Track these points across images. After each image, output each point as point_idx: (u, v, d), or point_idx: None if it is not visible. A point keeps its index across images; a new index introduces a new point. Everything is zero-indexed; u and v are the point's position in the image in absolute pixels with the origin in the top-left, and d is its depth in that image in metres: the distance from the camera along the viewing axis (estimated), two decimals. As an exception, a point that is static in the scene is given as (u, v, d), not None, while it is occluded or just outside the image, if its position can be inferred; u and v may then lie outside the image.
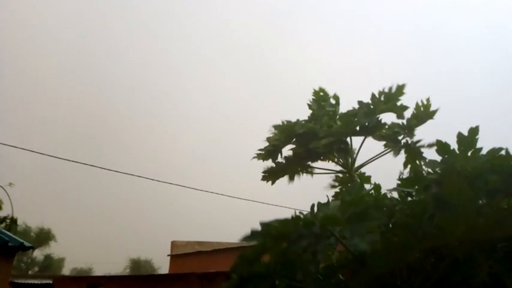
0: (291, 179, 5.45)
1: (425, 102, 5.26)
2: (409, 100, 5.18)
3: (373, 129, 4.96)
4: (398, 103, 5.15)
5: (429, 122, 5.14)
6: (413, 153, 4.85)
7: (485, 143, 3.83)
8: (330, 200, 3.44)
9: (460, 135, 4.09)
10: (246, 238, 2.56)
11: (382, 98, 5.11)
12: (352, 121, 4.95)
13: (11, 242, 8.88)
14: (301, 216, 2.59)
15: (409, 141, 4.92)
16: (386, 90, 5.19)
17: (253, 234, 2.54)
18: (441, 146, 4.29)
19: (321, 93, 5.54)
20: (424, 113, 5.17)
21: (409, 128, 4.99)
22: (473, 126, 3.81)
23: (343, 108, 5.64)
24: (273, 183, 5.51)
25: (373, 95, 5.17)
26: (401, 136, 4.82)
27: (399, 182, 4.16)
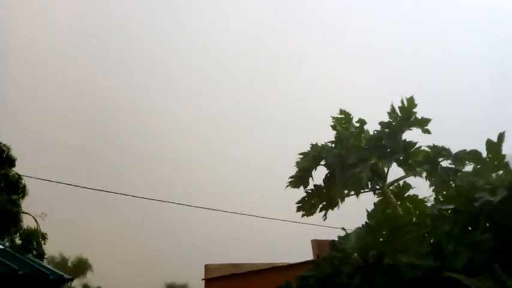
0: (329, 209, 5.44)
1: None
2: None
3: (402, 152, 4.94)
4: (418, 116, 5.10)
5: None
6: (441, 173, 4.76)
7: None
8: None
9: (489, 142, 4.00)
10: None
11: (400, 114, 5.08)
12: (379, 146, 4.93)
13: (52, 276, 9.12)
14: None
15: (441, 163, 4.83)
16: (399, 104, 5.15)
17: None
18: (474, 156, 4.21)
19: (343, 115, 5.56)
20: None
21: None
22: (501, 131, 3.73)
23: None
24: (308, 216, 5.52)
25: (392, 111, 5.13)
26: (441, 159, 4.73)
27: (435, 199, 4.09)
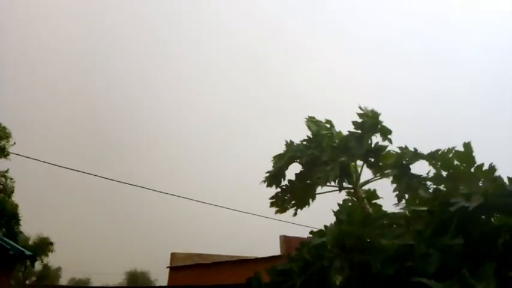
0: (301, 207, 5.53)
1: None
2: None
3: (372, 154, 5.11)
4: (380, 125, 5.30)
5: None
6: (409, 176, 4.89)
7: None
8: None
9: (458, 153, 4.12)
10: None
11: (367, 119, 5.27)
12: (351, 146, 5.08)
13: (12, 251, 8.84)
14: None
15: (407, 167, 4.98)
16: (368, 110, 5.35)
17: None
18: (445, 161, 4.32)
19: (313, 120, 5.74)
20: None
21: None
22: (466, 141, 3.85)
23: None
24: (281, 213, 5.59)
25: (362, 114, 5.30)
26: (405, 161, 4.89)
27: (406, 201, 4.17)
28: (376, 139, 5.27)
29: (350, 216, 3.07)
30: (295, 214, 5.66)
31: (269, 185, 5.57)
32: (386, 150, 5.15)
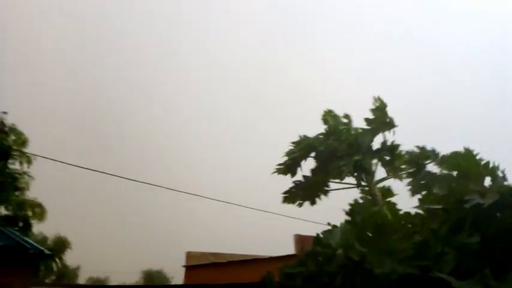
0: (312, 203, 5.54)
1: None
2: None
3: (387, 152, 5.11)
4: (389, 119, 5.29)
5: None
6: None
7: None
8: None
9: (463, 155, 4.11)
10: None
11: (376, 115, 5.26)
12: (364, 143, 5.08)
13: (32, 250, 9.04)
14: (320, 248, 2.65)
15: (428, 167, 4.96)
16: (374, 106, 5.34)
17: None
18: (455, 159, 4.28)
19: (331, 114, 5.72)
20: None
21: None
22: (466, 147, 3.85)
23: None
24: (291, 203, 5.60)
25: (375, 107, 5.28)
26: (427, 161, 4.88)
27: (420, 200, 4.15)
28: (387, 135, 5.26)
29: (364, 223, 3.04)
30: (300, 205, 5.65)
31: (284, 173, 5.52)
32: (399, 149, 5.14)
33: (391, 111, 5.35)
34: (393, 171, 5.11)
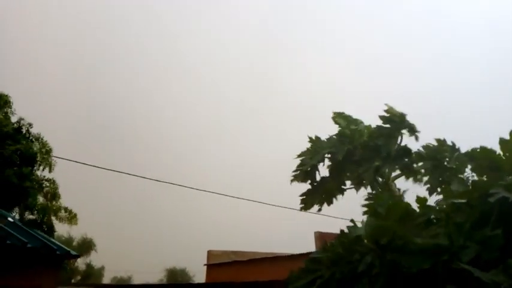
0: (329, 203, 5.51)
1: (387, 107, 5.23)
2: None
3: (405, 157, 5.02)
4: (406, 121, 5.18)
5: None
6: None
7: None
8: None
9: (502, 141, 3.99)
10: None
11: (393, 118, 5.16)
12: (380, 146, 5.01)
13: (59, 251, 9.28)
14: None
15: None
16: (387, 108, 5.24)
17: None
18: (486, 152, 4.19)
19: (342, 115, 5.65)
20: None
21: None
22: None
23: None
24: (307, 209, 5.59)
25: (387, 112, 5.20)
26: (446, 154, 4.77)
27: (444, 195, 4.09)
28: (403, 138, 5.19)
29: (389, 212, 3.02)
30: (319, 210, 5.64)
31: (303, 181, 5.52)
32: (414, 151, 5.07)
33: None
34: (411, 175, 5.03)
